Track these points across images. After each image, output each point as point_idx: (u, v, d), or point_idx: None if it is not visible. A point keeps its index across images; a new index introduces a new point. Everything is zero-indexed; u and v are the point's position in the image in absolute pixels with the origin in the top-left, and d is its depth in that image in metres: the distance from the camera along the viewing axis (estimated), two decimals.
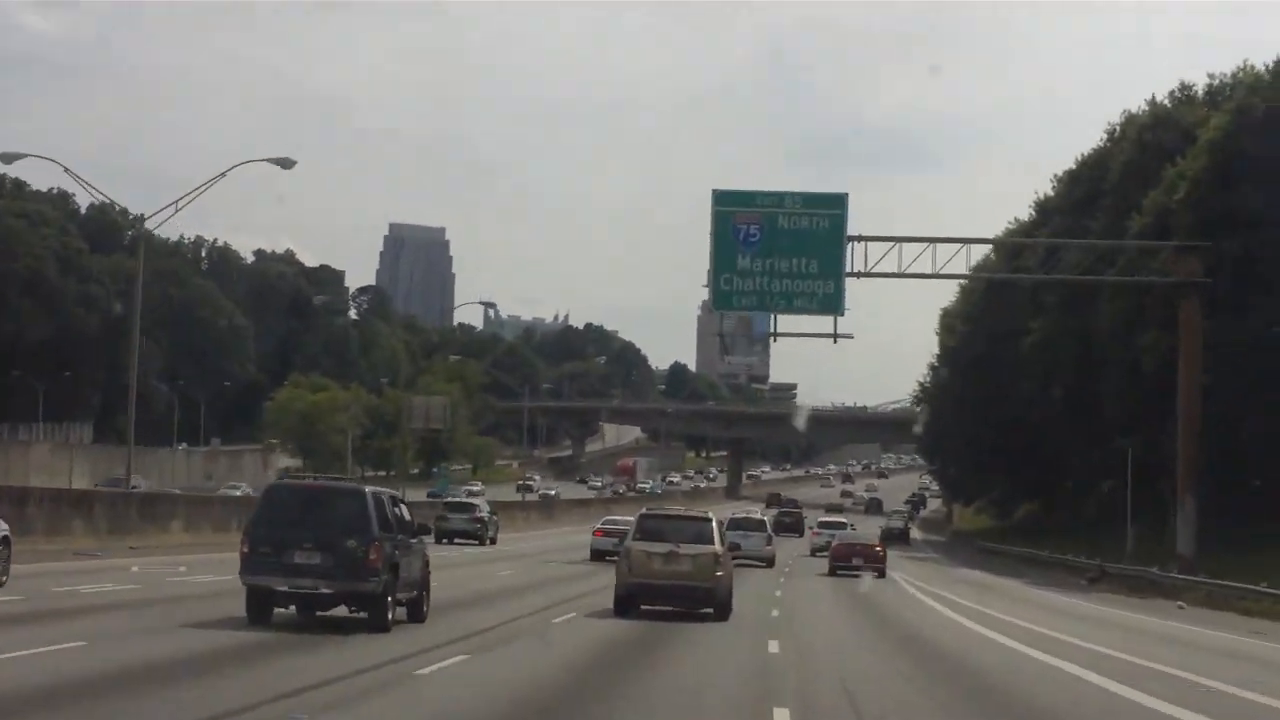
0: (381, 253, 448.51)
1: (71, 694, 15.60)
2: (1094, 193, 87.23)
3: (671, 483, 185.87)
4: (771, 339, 69.51)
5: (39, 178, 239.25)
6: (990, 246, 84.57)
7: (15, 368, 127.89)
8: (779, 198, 61.31)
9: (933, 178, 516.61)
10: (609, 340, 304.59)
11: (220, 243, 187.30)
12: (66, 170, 55.93)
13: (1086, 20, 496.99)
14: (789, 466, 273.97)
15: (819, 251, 60.29)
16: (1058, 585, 62.43)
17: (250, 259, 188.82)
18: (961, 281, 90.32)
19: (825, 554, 65.82)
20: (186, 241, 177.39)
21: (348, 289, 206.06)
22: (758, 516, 66.41)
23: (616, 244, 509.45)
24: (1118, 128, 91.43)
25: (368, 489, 24.48)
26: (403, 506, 25.78)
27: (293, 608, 23.94)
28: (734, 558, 49.08)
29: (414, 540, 25.44)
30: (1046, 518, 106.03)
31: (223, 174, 53.80)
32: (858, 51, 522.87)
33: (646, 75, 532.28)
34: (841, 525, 75.66)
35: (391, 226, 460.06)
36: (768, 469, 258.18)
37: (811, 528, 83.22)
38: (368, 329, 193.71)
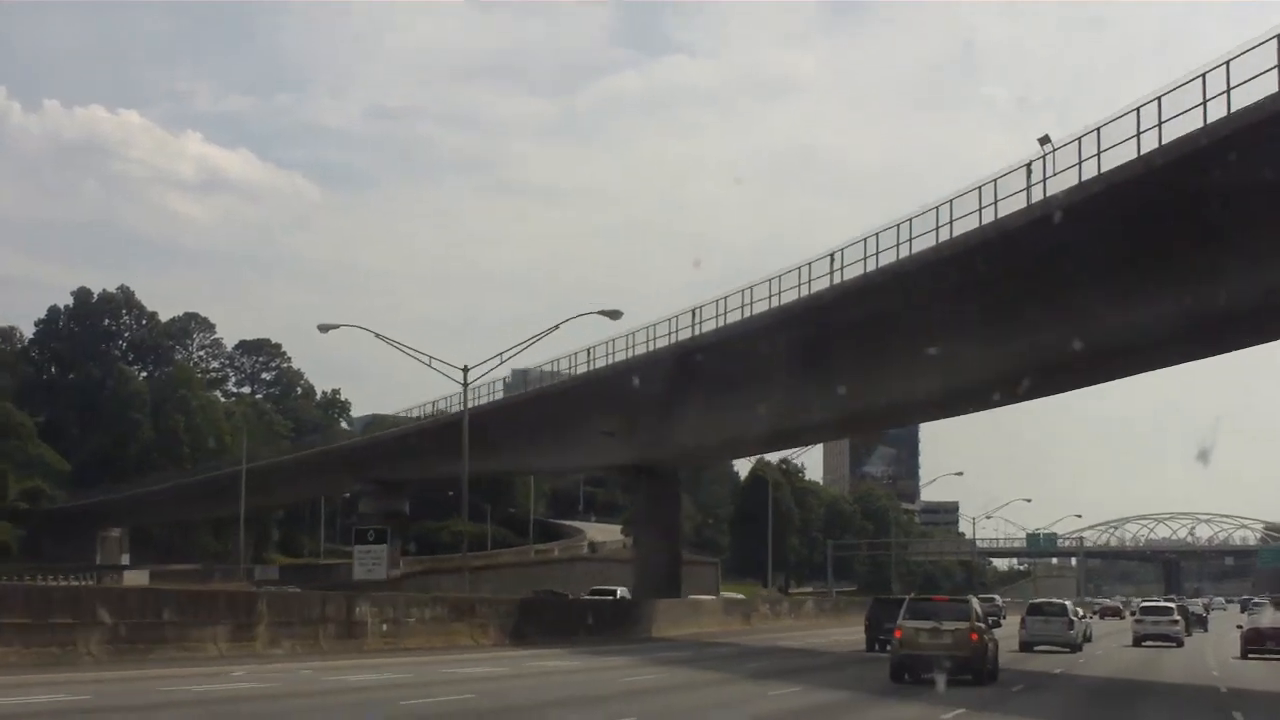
0: None
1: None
2: None
3: None
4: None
5: None
6: None
7: None
8: None
9: None
10: None
11: None
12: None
13: None
14: None
15: None
16: None
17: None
18: None
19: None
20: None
21: None
22: (1059, 601, 66.62)
23: None
24: None
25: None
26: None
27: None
28: (1036, 642, 58.16)
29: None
30: None
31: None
32: None
33: None
34: (1167, 610, 72.61)
35: None
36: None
37: (1133, 612, 79.66)
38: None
